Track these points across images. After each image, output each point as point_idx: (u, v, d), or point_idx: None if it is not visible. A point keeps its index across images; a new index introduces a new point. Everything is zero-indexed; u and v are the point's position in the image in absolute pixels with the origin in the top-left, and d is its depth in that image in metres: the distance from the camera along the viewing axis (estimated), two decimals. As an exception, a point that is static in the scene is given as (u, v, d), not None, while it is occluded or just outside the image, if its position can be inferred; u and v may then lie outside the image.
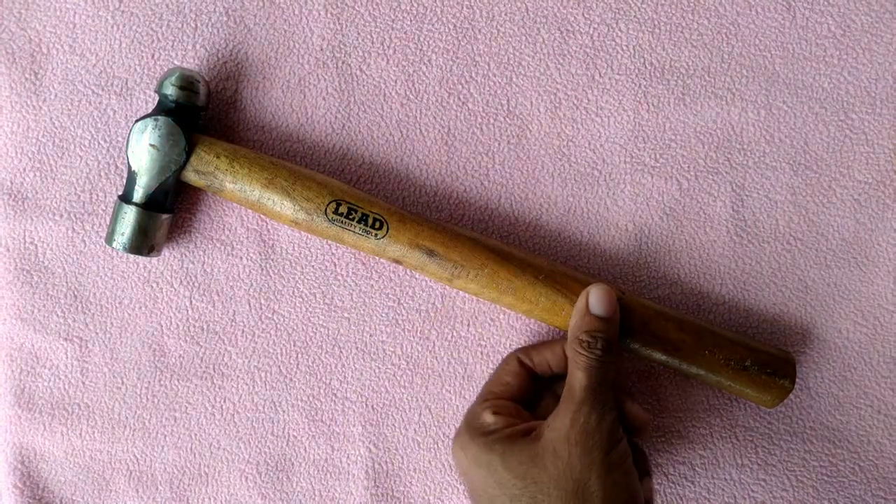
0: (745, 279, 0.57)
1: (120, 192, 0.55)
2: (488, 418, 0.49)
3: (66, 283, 0.58)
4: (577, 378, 0.48)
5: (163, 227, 0.54)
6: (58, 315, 0.58)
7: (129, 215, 0.52)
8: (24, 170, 0.57)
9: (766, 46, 0.56)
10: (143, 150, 0.52)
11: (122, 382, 0.59)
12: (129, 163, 0.52)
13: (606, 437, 0.46)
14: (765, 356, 0.53)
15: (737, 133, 0.56)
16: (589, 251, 0.57)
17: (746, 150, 0.56)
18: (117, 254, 0.58)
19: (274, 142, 0.57)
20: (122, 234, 0.53)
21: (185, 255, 0.58)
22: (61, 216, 0.57)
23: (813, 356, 0.58)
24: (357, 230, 0.51)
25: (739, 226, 0.57)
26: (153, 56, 0.56)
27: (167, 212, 0.54)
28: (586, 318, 0.49)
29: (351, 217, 0.51)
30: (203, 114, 0.55)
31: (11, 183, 0.57)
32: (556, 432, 0.46)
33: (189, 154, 0.52)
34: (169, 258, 0.58)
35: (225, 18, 0.56)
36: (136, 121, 0.52)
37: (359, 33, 0.56)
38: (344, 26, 0.56)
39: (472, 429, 0.49)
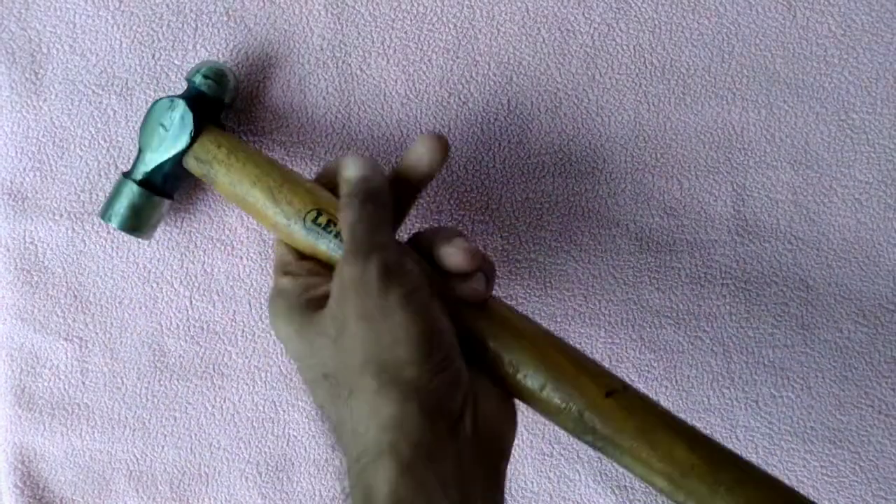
0: (747, 279, 0.57)
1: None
2: (282, 281, 0.48)
3: (66, 283, 0.58)
4: (343, 230, 0.46)
5: (156, 209, 0.53)
6: (58, 315, 0.58)
7: (125, 190, 0.52)
8: (24, 170, 0.57)
9: (766, 46, 0.56)
10: (152, 128, 0.52)
11: (122, 382, 0.58)
12: (138, 138, 0.53)
13: (372, 282, 0.42)
14: None
15: (737, 132, 0.56)
16: (589, 251, 0.57)
17: (747, 149, 0.56)
18: (118, 253, 0.58)
19: (274, 142, 0.57)
20: (113, 209, 0.53)
21: (185, 255, 0.58)
22: (61, 216, 0.57)
23: (814, 356, 0.58)
24: (332, 244, 0.47)
25: (740, 225, 0.57)
26: (153, 56, 0.56)
27: (163, 195, 0.53)
28: (343, 186, 0.47)
29: (328, 230, 0.48)
30: (227, 110, 0.55)
31: (11, 183, 0.57)
32: (332, 292, 0.44)
33: (194, 141, 0.51)
34: (169, 258, 0.58)
35: (225, 18, 0.56)
36: (158, 99, 0.52)
37: (359, 33, 0.56)
38: (344, 26, 0.56)
39: (274, 298, 0.47)
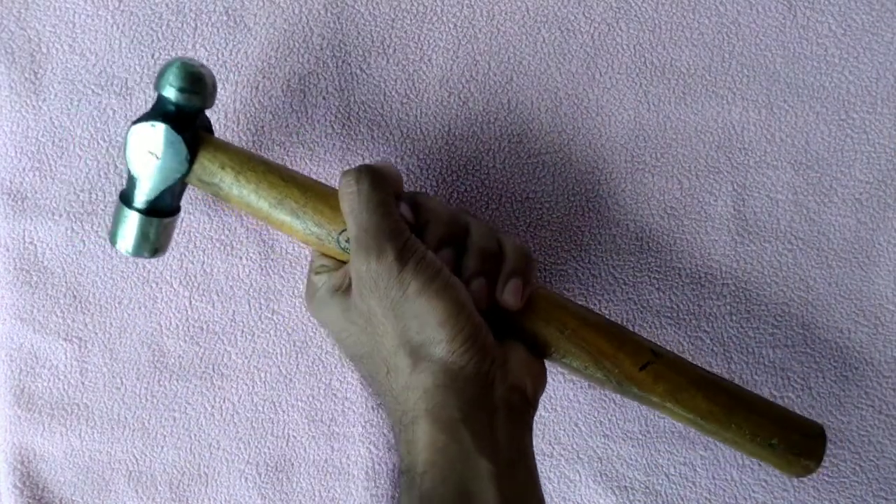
0: (747, 279, 0.57)
1: (121, 188, 0.53)
2: (314, 278, 0.50)
3: (66, 283, 0.58)
4: (348, 227, 0.47)
5: (168, 229, 0.52)
6: (57, 315, 0.58)
7: (132, 221, 0.50)
8: (24, 170, 0.57)
9: (766, 46, 0.56)
10: (141, 156, 0.48)
11: (122, 383, 0.58)
12: (128, 165, 0.49)
13: (391, 274, 0.44)
14: (794, 436, 0.50)
15: (738, 132, 0.56)
16: (590, 251, 0.57)
17: (747, 149, 0.56)
18: (117, 254, 0.58)
19: (274, 142, 0.57)
20: (125, 239, 0.50)
21: (185, 255, 0.58)
22: (61, 216, 0.57)
23: (814, 356, 0.58)
24: None
25: (741, 225, 0.57)
26: (153, 56, 0.56)
27: (172, 213, 0.51)
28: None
29: None
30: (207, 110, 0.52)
31: (11, 183, 0.57)
32: (353, 285, 0.47)
33: (191, 163, 0.49)
34: (169, 258, 0.58)
35: (225, 18, 0.56)
36: (133, 123, 0.49)
37: (359, 33, 0.56)
38: (344, 26, 0.56)
39: (308, 294, 0.51)
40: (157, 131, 0.48)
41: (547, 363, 0.50)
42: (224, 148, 0.50)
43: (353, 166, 0.48)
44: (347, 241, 0.48)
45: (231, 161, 0.49)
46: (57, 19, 0.56)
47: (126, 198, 0.50)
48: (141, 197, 0.50)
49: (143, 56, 0.56)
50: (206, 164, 0.49)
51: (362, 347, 0.48)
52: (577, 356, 0.49)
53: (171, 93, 0.48)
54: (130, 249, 0.51)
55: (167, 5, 0.56)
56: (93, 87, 0.57)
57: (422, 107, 0.57)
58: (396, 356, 0.46)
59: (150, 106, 0.50)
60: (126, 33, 0.56)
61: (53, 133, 0.57)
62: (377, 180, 0.47)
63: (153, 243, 0.51)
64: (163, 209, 0.50)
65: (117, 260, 0.58)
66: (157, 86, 0.49)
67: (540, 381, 0.48)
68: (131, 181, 0.50)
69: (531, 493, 0.45)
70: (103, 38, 0.56)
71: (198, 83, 0.48)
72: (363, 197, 0.46)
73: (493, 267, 0.48)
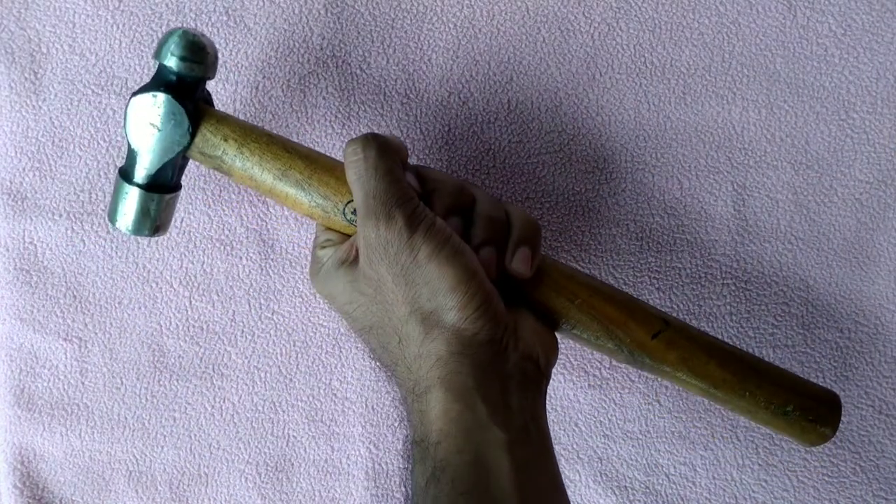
0: (747, 279, 0.57)
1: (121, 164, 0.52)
2: (319, 253, 0.49)
3: (66, 283, 0.58)
4: (355, 196, 0.46)
5: (169, 206, 0.50)
6: (57, 315, 0.58)
7: (132, 196, 0.48)
8: (24, 170, 0.57)
9: (766, 46, 0.56)
10: (142, 129, 0.47)
11: (122, 382, 0.58)
12: (128, 139, 0.48)
13: (401, 240, 0.44)
14: (809, 402, 0.50)
15: (738, 132, 0.56)
16: (590, 251, 0.57)
17: (747, 149, 0.56)
18: (117, 253, 0.58)
19: (274, 141, 0.57)
20: (125, 215, 0.49)
21: (185, 255, 0.58)
22: (61, 216, 0.57)
23: (814, 356, 0.58)
24: None
25: (741, 225, 0.57)
26: (153, 56, 0.56)
27: (173, 190, 0.50)
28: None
29: None
30: (209, 81, 0.51)
31: (11, 183, 0.57)
32: (360, 253, 0.46)
33: (193, 135, 0.48)
34: (168, 258, 0.58)
35: (225, 18, 0.56)
36: (133, 94, 0.47)
37: (359, 33, 0.56)
38: (344, 26, 0.56)
39: (312, 269, 0.50)
40: (159, 102, 0.47)
41: (558, 335, 0.49)
42: (226, 119, 0.49)
43: (360, 135, 0.47)
44: (353, 212, 0.48)
45: (234, 132, 0.48)
46: (57, 19, 0.56)
47: (126, 173, 0.49)
48: (142, 171, 0.48)
49: (143, 56, 0.56)
50: (209, 136, 0.48)
51: (372, 317, 0.47)
52: (588, 326, 0.48)
53: (172, 62, 0.47)
54: (131, 227, 0.49)
55: (167, 5, 0.56)
56: (93, 87, 0.56)
57: (422, 107, 0.57)
58: (408, 324, 0.45)
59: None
60: (126, 33, 0.56)
61: (53, 133, 0.57)
62: (384, 147, 0.46)
63: (154, 220, 0.49)
64: (164, 184, 0.49)
65: (117, 260, 0.58)
66: (158, 55, 0.48)
67: (552, 352, 0.48)
68: (131, 155, 0.48)
69: (545, 461, 0.45)
70: (103, 38, 0.56)
71: (200, 52, 0.47)
72: (370, 163, 0.45)
73: (501, 236, 0.48)
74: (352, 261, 0.47)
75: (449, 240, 0.45)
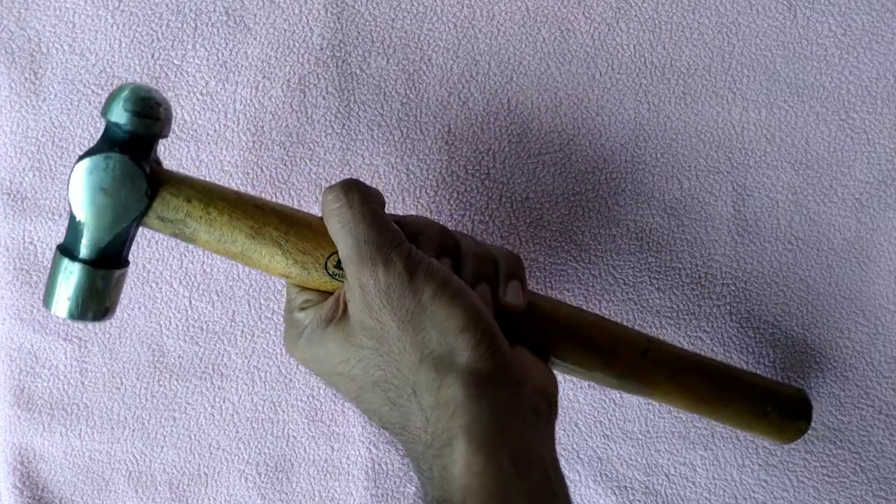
0: (747, 279, 0.57)
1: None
2: (297, 316, 0.47)
3: (66, 283, 0.58)
4: (341, 245, 0.44)
5: (118, 284, 0.45)
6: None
7: (77, 275, 0.42)
8: (24, 170, 0.57)
9: (766, 46, 0.56)
10: (91, 196, 0.42)
11: (122, 383, 0.58)
12: (71, 210, 0.42)
13: (402, 284, 0.43)
14: (785, 399, 0.52)
15: (738, 132, 0.56)
16: (590, 251, 0.57)
17: (747, 149, 0.56)
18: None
19: (273, 142, 0.57)
20: (67, 298, 0.42)
21: (185, 255, 0.58)
22: (61, 216, 0.57)
23: (814, 355, 0.58)
24: None
25: (741, 225, 0.57)
26: (153, 56, 0.56)
27: (123, 265, 0.45)
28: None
29: None
30: (161, 141, 0.46)
31: (11, 183, 0.57)
32: (354, 304, 0.44)
33: (152, 198, 0.43)
34: (168, 258, 0.58)
35: (225, 18, 0.56)
36: (80, 158, 0.42)
37: (359, 33, 0.56)
38: (344, 26, 0.56)
39: (290, 335, 0.48)
40: (112, 163, 0.42)
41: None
42: (188, 180, 0.44)
43: (336, 182, 0.46)
44: (336, 265, 0.45)
45: (198, 192, 0.44)
46: (57, 19, 0.56)
47: (67, 250, 0.43)
48: (89, 245, 0.43)
49: (143, 56, 0.56)
50: (169, 199, 0.43)
51: (376, 371, 0.44)
52: (577, 355, 0.49)
53: (124, 118, 0.42)
54: (74, 310, 0.43)
55: (167, 5, 0.56)
56: (93, 87, 0.56)
57: (422, 107, 0.57)
58: (419, 372, 0.43)
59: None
60: (126, 33, 0.56)
61: (53, 133, 0.57)
62: (365, 192, 0.45)
63: (104, 300, 0.43)
64: (115, 259, 0.44)
65: (117, 260, 0.58)
66: (106, 112, 0.43)
67: (554, 383, 0.48)
68: (75, 228, 0.43)
69: (562, 501, 0.44)
70: (103, 38, 0.56)
71: (154, 107, 0.43)
72: (356, 210, 0.44)
73: (491, 272, 0.47)
74: (339, 318, 0.45)
75: (450, 279, 0.44)
